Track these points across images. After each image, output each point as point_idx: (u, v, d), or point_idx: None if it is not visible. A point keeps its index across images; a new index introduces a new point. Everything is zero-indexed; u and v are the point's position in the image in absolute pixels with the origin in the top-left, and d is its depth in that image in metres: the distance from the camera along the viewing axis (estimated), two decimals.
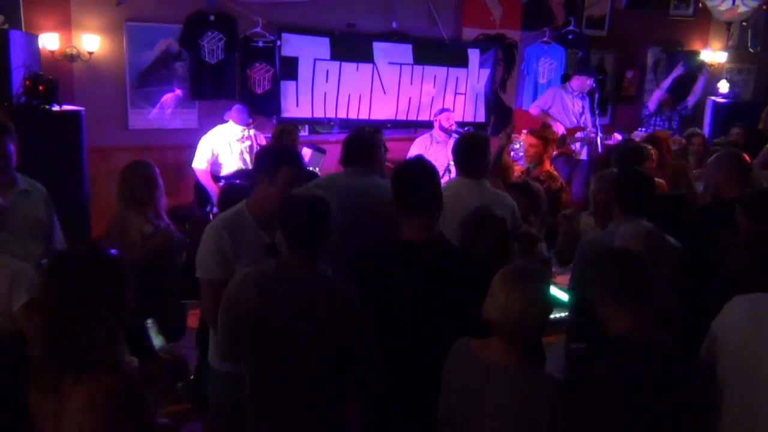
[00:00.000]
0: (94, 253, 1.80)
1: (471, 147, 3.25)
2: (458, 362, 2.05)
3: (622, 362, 1.96)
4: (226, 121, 5.46)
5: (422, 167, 2.47)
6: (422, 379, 2.25)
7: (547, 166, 4.62)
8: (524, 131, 6.33)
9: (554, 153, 4.88)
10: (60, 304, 1.70)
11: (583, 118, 6.47)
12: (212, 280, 2.47)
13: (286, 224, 2.16)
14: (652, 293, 2.07)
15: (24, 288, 2.41)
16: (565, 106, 6.47)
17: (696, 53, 7.99)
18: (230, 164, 5.36)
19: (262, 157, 2.62)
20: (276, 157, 2.55)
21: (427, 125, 6.49)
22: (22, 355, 2.33)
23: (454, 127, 5.96)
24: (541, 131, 4.86)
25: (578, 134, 6.29)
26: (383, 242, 2.53)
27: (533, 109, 6.66)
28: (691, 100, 6.95)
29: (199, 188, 5.41)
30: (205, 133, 5.49)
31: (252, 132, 5.53)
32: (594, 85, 6.40)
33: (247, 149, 5.45)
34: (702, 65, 7.16)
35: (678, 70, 6.91)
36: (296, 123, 6.40)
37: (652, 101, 6.88)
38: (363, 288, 2.24)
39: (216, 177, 5.33)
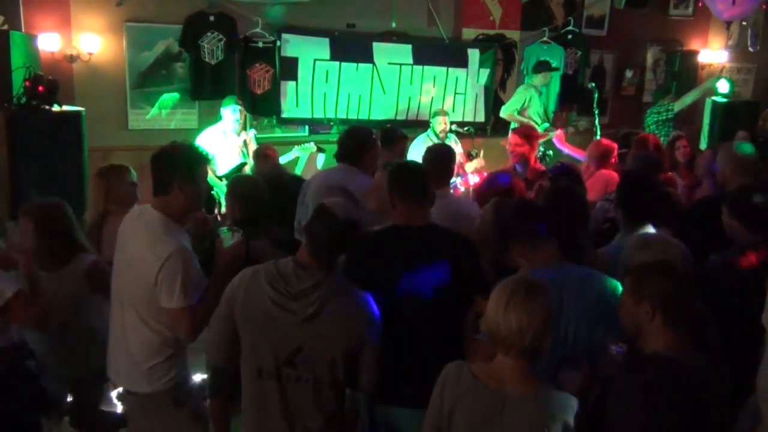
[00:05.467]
0: None
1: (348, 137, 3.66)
2: (461, 391, 1.87)
3: (660, 382, 1.83)
4: (222, 118, 5.46)
5: (419, 166, 2.91)
6: (421, 362, 2.30)
7: (533, 163, 4.56)
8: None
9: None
10: None
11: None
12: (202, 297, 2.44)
13: (309, 229, 2.24)
14: (697, 311, 1.98)
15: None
16: (535, 105, 6.42)
17: (695, 53, 7.99)
18: (227, 162, 5.34)
19: (174, 162, 2.46)
20: (191, 157, 2.50)
21: (427, 125, 6.49)
22: None
23: (447, 129, 5.92)
24: (525, 129, 4.80)
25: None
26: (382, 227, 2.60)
27: (503, 114, 6.58)
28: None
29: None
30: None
31: (251, 132, 5.53)
32: (593, 85, 6.41)
33: (242, 145, 5.42)
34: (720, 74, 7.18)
35: (710, 81, 6.91)
36: (296, 123, 6.44)
37: (678, 104, 6.77)
38: (362, 269, 2.36)
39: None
